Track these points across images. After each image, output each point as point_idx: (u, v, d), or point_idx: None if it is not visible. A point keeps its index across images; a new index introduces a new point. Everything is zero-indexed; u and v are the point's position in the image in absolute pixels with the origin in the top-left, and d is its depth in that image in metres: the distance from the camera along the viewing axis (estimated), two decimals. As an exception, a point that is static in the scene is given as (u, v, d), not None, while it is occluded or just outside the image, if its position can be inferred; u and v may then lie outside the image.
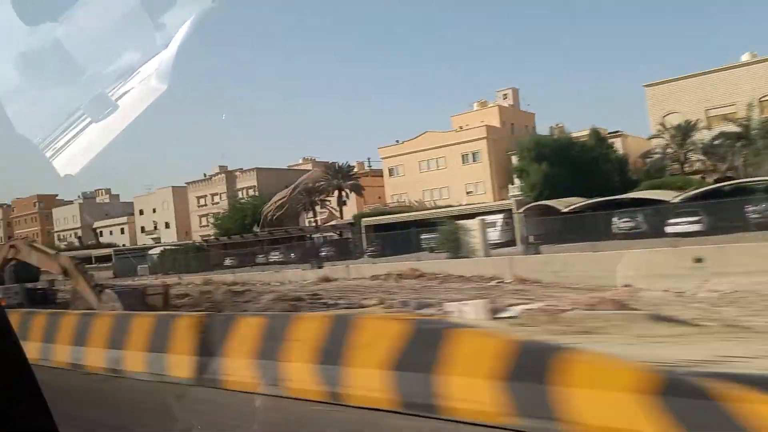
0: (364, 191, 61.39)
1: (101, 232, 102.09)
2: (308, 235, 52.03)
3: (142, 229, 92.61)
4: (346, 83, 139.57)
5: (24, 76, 1.83)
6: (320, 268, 29.68)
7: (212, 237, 58.73)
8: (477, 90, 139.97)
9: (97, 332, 8.67)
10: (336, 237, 49.83)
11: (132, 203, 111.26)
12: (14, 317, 12.26)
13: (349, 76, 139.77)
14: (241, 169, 77.39)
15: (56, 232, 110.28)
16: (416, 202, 61.18)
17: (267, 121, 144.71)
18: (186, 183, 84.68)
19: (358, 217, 39.97)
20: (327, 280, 24.96)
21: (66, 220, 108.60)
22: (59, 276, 17.71)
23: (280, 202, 60.25)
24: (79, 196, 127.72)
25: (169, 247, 56.48)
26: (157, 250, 58.08)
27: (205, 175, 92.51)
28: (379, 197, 66.90)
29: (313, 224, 60.94)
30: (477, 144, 56.79)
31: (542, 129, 65.28)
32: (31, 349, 10.35)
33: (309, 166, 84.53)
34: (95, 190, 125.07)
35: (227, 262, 47.18)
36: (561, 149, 35.69)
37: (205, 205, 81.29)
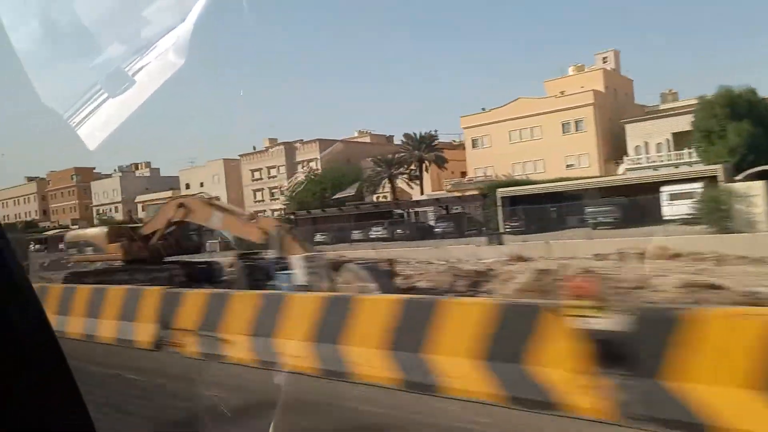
0: (446, 164, 56.22)
1: (146, 207, 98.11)
2: (407, 210, 46.96)
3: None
4: (398, 51, 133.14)
5: (44, 48, 1.79)
6: (500, 244, 24.70)
7: (283, 209, 53.96)
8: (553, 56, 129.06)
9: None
10: (439, 211, 44.77)
11: (173, 177, 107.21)
12: (241, 299, 7.45)
13: (402, 43, 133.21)
14: (301, 140, 72.41)
15: (95, 206, 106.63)
16: (504, 176, 56.02)
17: (313, 93, 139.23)
18: (240, 155, 79.85)
19: (492, 188, 34.82)
20: (521, 259, 19.91)
21: (106, 194, 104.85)
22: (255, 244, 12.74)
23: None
24: (115, 170, 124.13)
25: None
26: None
27: (254, 148, 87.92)
28: (452, 172, 61.64)
29: (383, 198, 55.94)
30: (581, 111, 51.15)
31: (641, 97, 59.60)
32: (240, 348, 6.83)
33: (367, 139, 79.52)
34: (130, 165, 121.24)
35: (318, 237, 42.32)
36: (752, 106, 30.02)
37: (261, 178, 76.58)
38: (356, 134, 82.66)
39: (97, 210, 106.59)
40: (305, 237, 43.75)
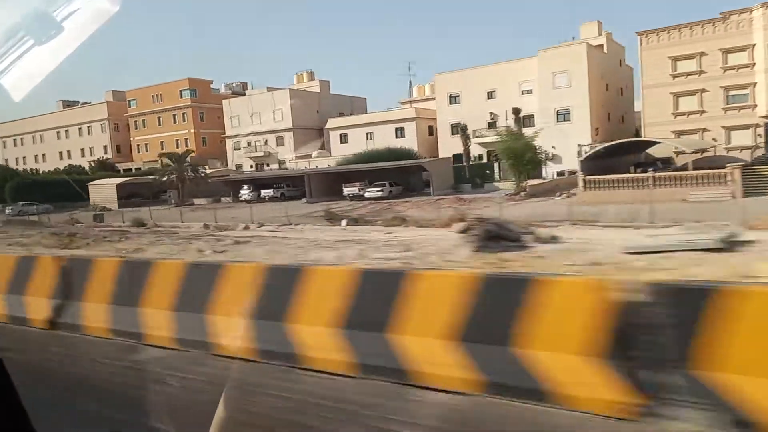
0: None
1: (345, 136, 60.70)
2: None
3: (463, 130, 51.40)
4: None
5: None
6: None
7: None
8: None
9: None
10: None
11: (339, 96, 70.14)
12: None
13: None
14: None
15: (230, 137, 67.54)
16: None
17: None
18: (637, 33, 44.25)
19: None
20: None
21: (257, 118, 65.63)
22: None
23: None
24: (221, 87, 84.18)
25: None
26: None
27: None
28: None
29: None
30: None
31: None
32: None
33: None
34: (237, 83, 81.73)
35: None
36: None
37: (698, 71, 41.85)
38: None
39: (236, 144, 67.58)
40: None
